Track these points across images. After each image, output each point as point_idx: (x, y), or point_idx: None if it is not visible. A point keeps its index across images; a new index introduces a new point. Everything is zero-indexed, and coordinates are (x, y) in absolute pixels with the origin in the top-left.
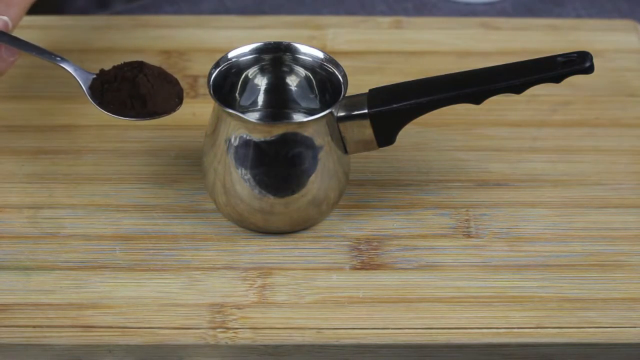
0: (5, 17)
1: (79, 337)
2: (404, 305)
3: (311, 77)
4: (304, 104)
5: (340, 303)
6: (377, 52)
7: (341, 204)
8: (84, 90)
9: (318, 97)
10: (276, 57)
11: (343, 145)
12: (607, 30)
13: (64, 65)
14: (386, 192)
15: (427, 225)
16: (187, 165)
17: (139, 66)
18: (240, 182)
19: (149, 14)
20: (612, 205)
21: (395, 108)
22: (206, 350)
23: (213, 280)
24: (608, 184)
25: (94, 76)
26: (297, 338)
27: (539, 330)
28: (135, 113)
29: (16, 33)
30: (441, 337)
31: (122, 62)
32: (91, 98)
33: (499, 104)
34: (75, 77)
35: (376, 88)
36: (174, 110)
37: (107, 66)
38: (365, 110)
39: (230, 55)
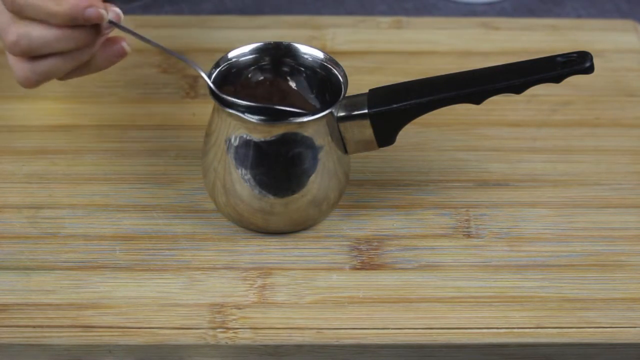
0: (116, 8)
1: (78, 337)
2: (404, 305)
3: (311, 77)
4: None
5: (340, 303)
6: (377, 52)
7: (341, 204)
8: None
9: (318, 97)
10: (276, 57)
11: (343, 145)
12: (607, 30)
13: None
14: (386, 192)
15: (427, 225)
16: (187, 165)
17: None
18: (240, 182)
19: (149, 14)
20: (612, 205)
21: (395, 108)
22: (206, 350)
23: (213, 280)
24: (608, 184)
25: None
26: (297, 338)
27: (539, 330)
28: None
29: None
30: (441, 337)
31: None
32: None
33: (499, 104)
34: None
35: (376, 88)
36: None
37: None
38: (365, 111)
39: (230, 55)
